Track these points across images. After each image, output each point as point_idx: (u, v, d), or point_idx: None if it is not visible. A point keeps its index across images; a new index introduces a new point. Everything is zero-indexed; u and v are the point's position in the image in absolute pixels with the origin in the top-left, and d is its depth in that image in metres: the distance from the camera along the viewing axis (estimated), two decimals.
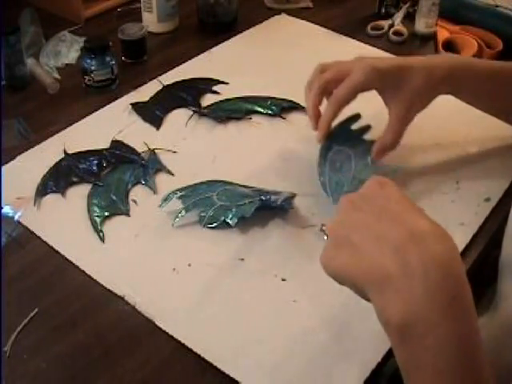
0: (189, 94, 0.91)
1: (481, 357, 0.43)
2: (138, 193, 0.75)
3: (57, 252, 0.67)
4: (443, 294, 0.42)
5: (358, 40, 1.06)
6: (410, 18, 1.12)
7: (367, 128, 0.76)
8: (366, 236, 0.45)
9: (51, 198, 0.74)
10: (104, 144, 0.81)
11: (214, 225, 0.69)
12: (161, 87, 0.92)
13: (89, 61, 0.90)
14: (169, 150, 0.81)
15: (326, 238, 0.51)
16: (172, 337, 0.59)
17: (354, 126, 0.76)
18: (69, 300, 0.62)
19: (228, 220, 0.69)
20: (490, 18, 1.06)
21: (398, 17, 1.12)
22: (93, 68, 0.90)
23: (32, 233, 0.69)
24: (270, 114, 0.88)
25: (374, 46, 1.04)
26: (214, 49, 1.03)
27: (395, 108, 0.70)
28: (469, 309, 0.44)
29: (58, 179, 0.76)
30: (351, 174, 0.71)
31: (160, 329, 0.59)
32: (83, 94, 0.92)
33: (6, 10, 0.97)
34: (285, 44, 1.05)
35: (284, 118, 0.87)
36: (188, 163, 0.79)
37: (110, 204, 0.72)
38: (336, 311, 0.61)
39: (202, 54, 1.01)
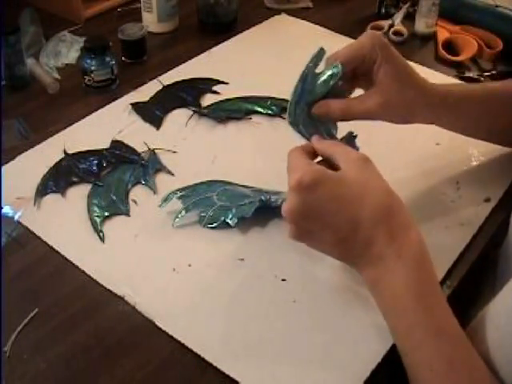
0: (189, 94, 0.91)
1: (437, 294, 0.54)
2: (137, 193, 0.75)
3: (57, 252, 0.67)
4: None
5: None
6: (410, 18, 1.12)
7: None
8: (321, 227, 0.56)
9: (51, 198, 0.73)
10: (104, 144, 0.81)
11: (214, 225, 0.69)
12: (161, 87, 0.92)
13: (89, 61, 0.90)
14: (169, 150, 0.81)
15: None
16: (172, 337, 0.59)
17: None
18: (69, 300, 0.62)
19: (228, 220, 0.69)
20: (490, 18, 1.06)
21: (398, 17, 1.12)
22: (93, 68, 0.90)
23: (32, 233, 0.69)
24: (269, 114, 0.88)
25: None
26: (214, 49, 1.03)
27: (385, 89, 0.65)
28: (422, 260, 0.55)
29: (58, 179, 0.76)
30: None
31: (160, 329, 0.59)
32: (83, 94, 0.92)
33: (6, 10, 0.97)
34: (285, 44, 1.05)
35: (284, 118, 0.87)
36: (188, 163, 0.79)
37: (110, 204, 0.72)
38: (336, 311, 0.61)
39: (202, 54, 1.01)
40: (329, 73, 0.63)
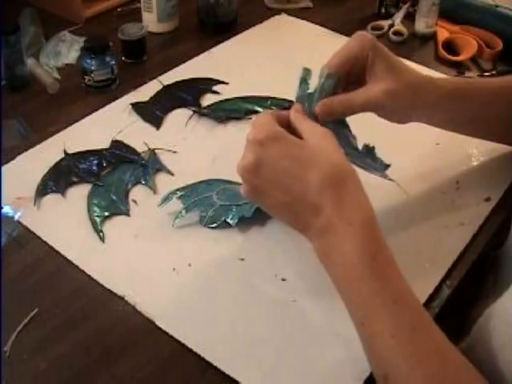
0: (189, 94, 0.91)
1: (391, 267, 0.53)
2: (138, 193, 0.75)
3: (57, 252, 0.67)
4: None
5: None
6: (410, 18, 1.12)
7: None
8: (272, 186, 0.55)
9: (51, 198, 0.73)
10: (104, 144, 0.81)
11: (215, 225, 0.69)
12: (161, 87, 0.92)
13: (89, 61, 0.90)
14: (169, 150, 0.81)
15: None
16: (172, 337, 0.59)
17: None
18: (69, 300, 0.62)
19: (228, 220, 0.69)
20: (490, 18, 1.06)
21: (398, 17, 1.12)
22: (93, 68, 0.90)
23: (32, 233, 0.69)
24: None
25: None
26: (214, 49, 1.03)
27: (378, 87, 0.65)
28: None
29: (58, 179, 0.76)
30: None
31: (160, 329, 0.59)
32: (83, 94, 0.92)
33: (6, 10, 0.97)
34: (285, 44, 1.05)
35: None
36: (188, 163, 0.79)
37: (110, 204, 0.72)
38: (336, 311, 0.61)
39: (202, 54, 1.01)
40: (320, 89, 0.63)
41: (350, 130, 0.65)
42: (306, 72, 0.64)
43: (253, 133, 0.56)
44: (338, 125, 0.64)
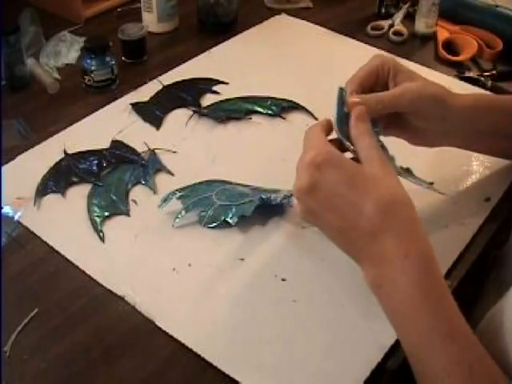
0: (189, 94, 0.91)
1: (447, 298, 0.51)
2: (137, 193, 0.75)
3: (57, 252, 0.67)
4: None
5: (358, 40, 1.06)
6: (410, 18, 1.12)
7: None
8: (327, 209, 0.55)
9: (51, 198, 0.74)
10: (104, 144, 0.81)
11: (214, 225, 0.69)
12: (161, 87, 0.93)
13: (89, 61, 0.90)
14: (169, 150, 0.81)
15: None
16: (172, 337, 0.59)
17: None
18: (69, 300, 0.62)
19: (228, 219, 0.69)
20: (490, 18, 1.06)
21: (398, 17, 1.12)
22: (93, 68, 0.90)
23: (32, 233, 0.69)
24: (269, 114, 0.88)
25: (374, 46, 1.04)
26: (214, 49, 1.03)
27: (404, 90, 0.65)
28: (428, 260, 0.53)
29: (58, 179, 0.76)
30: None
31: (160, 329, 0.59)
32: (83, 94, 0.92)
33: (6, 10, 0.97)
34: (285, 44, 1.05)
35: (284, 118, 0.88)
36: (188, 163, 0.79)
37: (110, 204, 0.72)
38: (336, 311, 0.61)
39: (202, 54, 1.01)
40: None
41: (387, 151, 0.63)
42: (341, 91, 0.63)
43: (308, 155, 0.55)
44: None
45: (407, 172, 0.65)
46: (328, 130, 0.59)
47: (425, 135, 0.69)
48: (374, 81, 0.65)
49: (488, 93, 0.92)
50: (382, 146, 0.62)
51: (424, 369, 0.51)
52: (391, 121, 0.66)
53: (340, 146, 0.59)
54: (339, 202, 0.54)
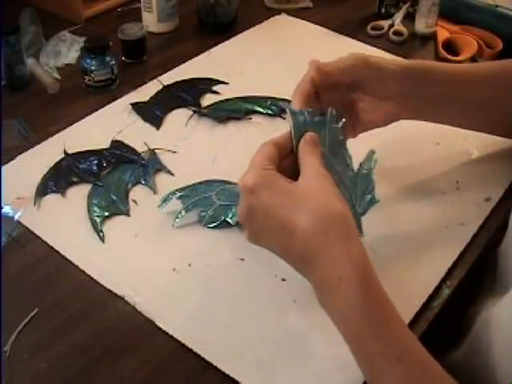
0: (189, 94, 0.91)
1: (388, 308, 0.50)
2: (138, 193, 0.75)
3: (57, 252, 0.67)
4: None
5: (358, 40, 1.06)
6: (410, 18, 1.12)
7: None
8: (265, 232, 0.54)
9: (51, 198, 0.74)
10: (104, 144, 0.81)
11: (214, 225, 0.69)
12: (161, 87, 0.93)
13: (89, 61, 0.90)
14: (169, 150, 0.81)
15: None
16: (172, 337, 0.59)
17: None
18: (69, 300, 0.62)
19: (228, 219, 0.69)
20: (490, 18, 1.06)
21: (398, 17, 1.12)
22: (93, 68, 0.90)
23: (32, 233, 0.69)
24: (269, 114, 0.88)
25: (374, 46, 1.04)
26: (214, 49, 1.03)
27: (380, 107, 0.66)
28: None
29: (58, 179, 0.76)
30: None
31: (160, 329, 0.59)
32: (83, 94, 0.92)
33: (6, 10, 0.97)
34: (285, 44, 1.05)
35: (284, 118, 0.87)
36: (188, 163, 0.79)
37: (110, 204, 0.72)
38: None
39: (202, 54, 1.01)
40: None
41: (347, 150, 0.62)
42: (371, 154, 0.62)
43: (244, 177, 0.54)
44: (334, 143, 0.61)
45: (363, 176, 0.62)
46: (280, 147, 0.57)
47: (383, 108, 0.67)
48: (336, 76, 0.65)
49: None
50: (341, 142, 0.61)
51: None
52: (352, 120, 0.67)
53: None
54: (273, 224, 0.53)
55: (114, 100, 0.90)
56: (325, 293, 0.51)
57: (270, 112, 0.88)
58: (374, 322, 0.49)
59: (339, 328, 0.51)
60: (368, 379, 0.51)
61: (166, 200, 0.71)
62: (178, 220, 0.70)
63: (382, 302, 0.50)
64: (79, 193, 0.74)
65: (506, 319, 0.53)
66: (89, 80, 0.91)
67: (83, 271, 0.65)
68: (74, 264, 0.66)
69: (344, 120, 0.61)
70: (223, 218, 0.69)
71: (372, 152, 0.62)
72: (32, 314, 0.61)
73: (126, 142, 0.82)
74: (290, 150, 0.58)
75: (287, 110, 0.60)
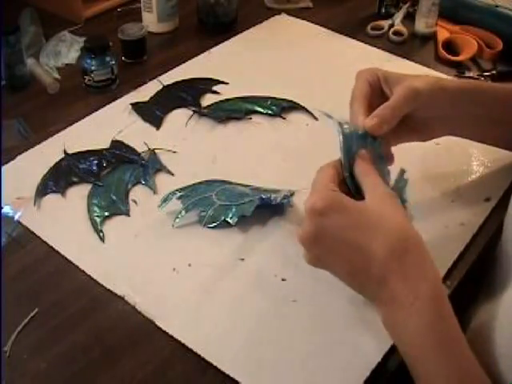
0: (189, 94, 0.91)
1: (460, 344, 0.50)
2: (138, 193, 0.75)
3: (57, 252, 0.67)
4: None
5: (358, 40, 1.06)
6: (410, 18, 1.12)
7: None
8: (334, 256, 0.54)
9: (51, 198, 0.74)
10: (104, 144, 0.81)
11: (214, 225, 0.69)
12: (161, 87, 0.93)
13: (89, 61, 0.90)
14: (169, 150, 0.81)
15: None
16: (172, 337, 0.59)
17: None
18: (69, 300, 0.62)
19: (228, 219, 0.69)
20: (490, 18, 1.06)
21: (398, 17, 1.12)
22: (93, 68, 0.90)
23: (32, 233, 0.69)
24: (270, 114, 0.88)
25: (374, 46, 1.04)
26: (214, 49, 1.03)
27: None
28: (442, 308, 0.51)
29: (58, 179, 0.76)
30: None
31: (160, 329, 0.59)
32: (83, 94, 0.92)
33: (6, 10, 0.97)
34: (285, 44, 1.05)
35: (284, 118, 0.87)
36: (188, 163, 0.79)
37: (110, 204, 0.72)
38: (336, 311, 0.61)
39: (202, 54, 1.01)
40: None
41: (386, 165, 0.62)
42: (341, 126, 0.61)
43: (311, 200, 0.53)
44: (378, 160, 0.61)
45: (399, 189, 0.62)
46: (338, 170, 0.58)
47: (429, 127, 0.69)
48: (371, 93, 0.65)
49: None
50: (381, 157, 0.61)
51: None
52: (398, 128, 0.65)
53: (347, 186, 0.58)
54: (345, 248, 0.53)
55: (114, 100, 0.90)
56: (395, 311, 0.52)
57: (270, 112, 0.88)
58: (442, 341, 0.50)
59: (404, 346, 0.52)
60: None
61: (166, 200, 0.71)
62: (177, 220, 0.70)
63: (451, 324, 0.51)
64: (79, 193, 0.74)
65: (503, 320, 0.53)
66: (89, 80, 0.91)
67: (83, 271, 0.65)
68: (73, 264, 0.66)
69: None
70: (223, 217, 0.69)
71: (403, 171, 0.62)
72: (32, 314, 0.60)
73: (125, 141, 0.82)
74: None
75: (334, 125, 0.59)
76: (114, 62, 0.92)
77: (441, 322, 0.50)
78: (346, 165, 0.59)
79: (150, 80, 0.94)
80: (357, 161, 0.58)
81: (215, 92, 0.92)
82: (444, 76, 0.96)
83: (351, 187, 0.59)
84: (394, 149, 0.70)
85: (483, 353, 0.53)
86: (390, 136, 0.64)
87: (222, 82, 0.94)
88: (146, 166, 0.78)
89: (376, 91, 0.65)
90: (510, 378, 0.51)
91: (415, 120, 0.67)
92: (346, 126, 0.60)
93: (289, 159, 0.80)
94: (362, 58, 1.01)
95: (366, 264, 0.52)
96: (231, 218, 0.69)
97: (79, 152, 0.80)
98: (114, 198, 0.73)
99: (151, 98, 0.91)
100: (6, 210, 0.71)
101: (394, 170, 0.62)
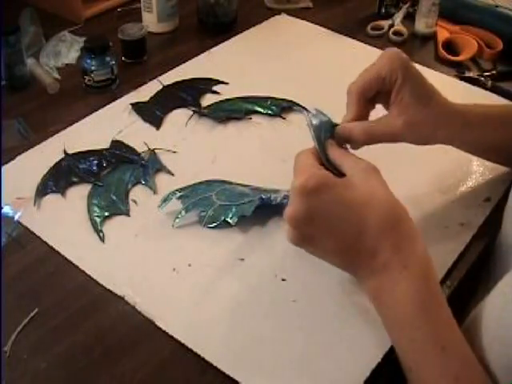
0: (189, 94, 0.91)
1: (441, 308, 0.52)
2: (137, 193, 0.75)
3: (57, 252, 0.67)
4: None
5: (358, 40, 1.06)
6: (410, 18, 1.12)
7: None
8: (325, 234, 0.54)
9: (51, 198, 0.74)
10: (104, 144, 0.81)
11: (214, 225, 0.69)
12: (161, 87, 0.93)
13: (89, 61, 0.90)
14: (169, 150, 0.81)
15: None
16: (172, 337, 0.59)
17: None
18: (69, 300, 0.62)
19: (228, 219, 0.69)
20: (490, 18, 1.06)
21: (398, 17, 1.12)
22: (93, 68, 0.90)
23: (32, 233, 0.69)
24: (270, 114, 0.88)
25: (374, 46, 1.04)
26: (214, 49, 1.03)
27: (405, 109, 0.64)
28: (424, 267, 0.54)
29: (58, 179, 0.76)
30: None
31: (160, 329, 0.59)
32: (83, 94, 0.92)
33: (6, 10, 0.97)
34: (285, 44, 1.05)
35: (284, 118, 0.88)
36: (188, 163, 0.79)
37: (110, 204, 0.72)
38: (336, 311, 0.61)
39: (202, 54, 1.01)
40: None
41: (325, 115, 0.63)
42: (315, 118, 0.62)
43: (298, 181, 0.53)
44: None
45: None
46: (317, 156, 0.59)
47: (413, 142, 0.68)
48: (380, 87, 0.63)
49: (481, 92, 0.91)
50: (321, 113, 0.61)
51: (414, 377, 0.52)
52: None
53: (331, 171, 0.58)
54: (338, 224, 0.54)
55: (113, 100, 0.90)
56: (385, 277, 0.53)
57: (270, 112, 0.88)
58: (427, 310, 0.51)
59: (389, 314, 0.54)
60: (407, 367, 0.52)
61: (166, 200, 0.71)
62: (177, 220, 0.70)
63: (437, 294, 0.53)
64: (79, 193, 0.74)
65: (490, 313, 0.54)
66: (89, 80, 0.91)
67: (83, 271, 0.65)
68: (73, 264, 0.66)
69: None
70: (223, 217, 0.69)
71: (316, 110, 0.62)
72: (32, 314, 0.60)
73: (126, 142, 0.82)
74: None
75: (306, 115, 0.61)
76: (114, 62, 0.92)
77: (427, 290, 0.52)
78: (322, 153, 0.60)
79: (150, 80, 0.94)
80: (328, 149, 0.59)
81: (215, 92, 0.92)
82: (444, 76, 0.97)
83: (332, 170, 0.59)
84: (393, 149, 0.71)
85: (475, 342, 0.53)
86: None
87: (222, 82, 0.94)
88: (146, 166, 0.78)
89: (386, 88, 0.63)
90: (498, 367, 0.51)
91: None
92: (314, 121, 0.61)
93: (289, 159, 0.79)
94: (362, 58, 1.00)
95: (358, 238, 0.53)
96: (231, 218, 0.69)
97: (79, 152, 0.80)
98: (113, 197, 0.73)
99: (151, 98, 0.91)
100: (6, 210, 0.71)
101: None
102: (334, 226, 0.54)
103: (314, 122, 0.61)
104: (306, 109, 0.62)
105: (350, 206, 0.53)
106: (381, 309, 0.55)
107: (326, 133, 0.61)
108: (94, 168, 0.77)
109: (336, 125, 0.62)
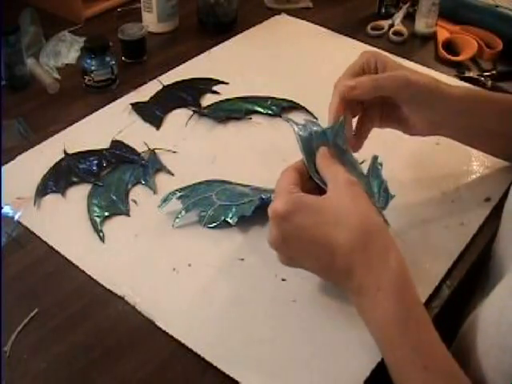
0: (189, 94, 0.91)
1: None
2: (137, 193, 0.75)
3: (57, 252, 0.67)
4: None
5: (358, 40, 1.06)
6: (410, 18, 1.12)
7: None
8: (302, 255, 0.56)
9: (51, 198, 0.74)
10: (104, 144, 0.81)
11: (214, 225, 0.69)
12: (161, 87, 0.93)
13: (89, 61, 0.90)
14: (169, 150, 0.81)
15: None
16: (172, 337, 0.59)
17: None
18: (69, 300, 0.62)
19: (228, 219, 0.69)
20: (490, 18, 1.06)
21: (398, 17, 1.12)
22: (93, 68, 0.90)
23: (32, 233, 0.69)
24: (270, 114, 0.88)
25: (374, 46, 1.04)
26: (214, 49, 1.03)
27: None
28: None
29: (58, 179, 0.76)
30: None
31: (160, 329, 0.59)
32: (83, 94, 0.92)
33: (6, 10, 0.97)
34: (285, 44, 1.05)
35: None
36: (188, 163, 0.79)
37: (110, 204, 0.72)
38: (336, 311, 0.61)
39: (202, 54, 1.01)
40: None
41: (352, 156, 0.63)
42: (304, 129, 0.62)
43: (273, 205, 0.55)
44: (339, 153, 0.62)
45: (374, 171, 0.63)
46: (300, 171, 0.59)
47: (417, 124, 0.69)
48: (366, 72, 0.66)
49: (478, 88, 0.92)
50: (343, 150, 0.62)
51: None
52: (386, 113, 0.68)
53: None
54: (311, 246, 0.55)
55: (114, 100, 0.90)
56: (362, 300, 0.54)
57: (270, 112, 0.88)
58: (406, 330, 0.51)
59: (373, 334, 0.54)
60: (394, 382, 0.52)
61: (166, 200, 0.71)
62: (177, 220, 0.70)
63: (415, 311, 0.52)
64: (79, 193, 0.74)
65: (488, 318, 0.53)
66: (89, 80, 0.91)
67: (83, 271, 0.65)
68: (73, 264, 0.66)
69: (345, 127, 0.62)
70: (223, 218, 0.69)
71: (375, 158, 0.64)
72: (32, 314, 0.60)
73: (126, 141, 0.82)
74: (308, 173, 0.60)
75: (293, 128, 0.61)
76: (113, 62, 0.92)
77: (404, 309, 0.52)
78: (311, 165, 0.60)
79: (150, 80, 0.94)
80: (317, 158, 0.60)
81: (215, 92, 0.92)
82: (444, 76, 0.97)
83: (319, 183, 0.59)
84: (393, 148, 0.71)
85: (469, 351, 0.53)
86: (372, 118, 0.67)
87: (222, 82, 0.94)
88: (146, 166, 0.78)
89: (368, 72, 0.66)
90: (496, 374, 0.51)
91: (402, 113, 0.68)
92: (301, 133, 0.61)
93: (289, 159, 0.79)
94: None
95: (331, 259, 0.54)
96: (231, 218, 0.69)
97: (79, 152, 0.80)
98: (113, 197, 0.73)
99: (151, 97, 0.91)
100: (6, 210, 0.71)
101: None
102: (308, 248, 0.55)
103: (303, 133, 0.61)
104: (294, 121, 0.62)
105: (319, 228, 0.54)
106: (367, 325, 0.55)
107: (318, 141, 0.61)
108: (94, 168, 0.77)
109: (328, 129, 0.62)
